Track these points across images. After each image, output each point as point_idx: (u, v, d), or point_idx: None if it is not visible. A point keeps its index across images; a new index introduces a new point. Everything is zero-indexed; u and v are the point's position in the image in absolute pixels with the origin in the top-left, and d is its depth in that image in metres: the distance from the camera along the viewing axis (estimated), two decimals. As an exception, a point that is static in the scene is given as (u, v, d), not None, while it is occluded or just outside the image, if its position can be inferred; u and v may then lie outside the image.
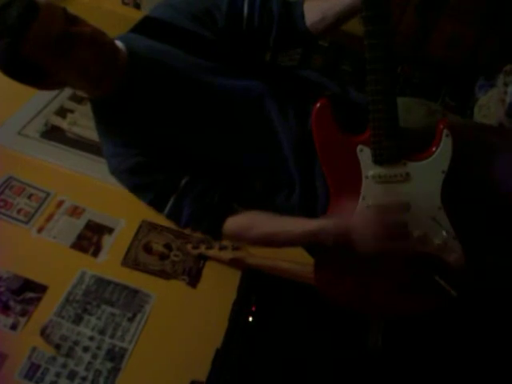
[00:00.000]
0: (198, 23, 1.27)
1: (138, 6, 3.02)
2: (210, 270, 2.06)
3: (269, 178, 1.32)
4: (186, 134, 1.26)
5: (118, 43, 1.25)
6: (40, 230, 2.09)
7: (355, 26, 1.28)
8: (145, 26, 1.32)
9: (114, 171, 1.30)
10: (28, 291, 1.89)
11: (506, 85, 2.50)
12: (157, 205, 1.29)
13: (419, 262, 1.26)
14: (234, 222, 1.28)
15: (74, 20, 1.14)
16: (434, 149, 1.18)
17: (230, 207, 1.29)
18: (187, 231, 2.10)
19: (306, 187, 1.30)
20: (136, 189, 1.29)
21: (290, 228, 1.25)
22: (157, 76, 1.25)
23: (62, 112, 2.58)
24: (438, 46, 2.69)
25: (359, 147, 1.18)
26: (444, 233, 1.22)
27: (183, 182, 1.25)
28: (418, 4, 2.54)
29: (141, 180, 1.27)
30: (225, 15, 1.28)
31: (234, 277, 2.02)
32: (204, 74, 1.26)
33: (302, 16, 1.27)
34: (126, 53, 1.24)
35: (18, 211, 2.13)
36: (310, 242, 1.29)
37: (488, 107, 2.57)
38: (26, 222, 2.10)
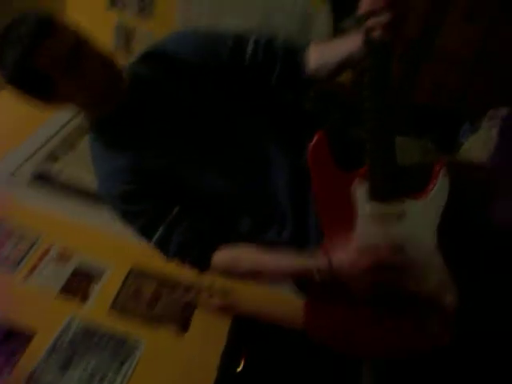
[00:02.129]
0: (202, 56, 1.30)
1: (130, 56, 3.08)
2: (199, 318, 2.03)
3: (260, 211, 1.32)
4: (180, 162, 1.27)
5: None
6: (27, 277, 2.06)
7: (344, 75, 1.33)
8: (148, 57, 1.35)
9: (106, 195, 1.30)
10: (13, 340, 1.85)
11: (489, 129, 2.55)
12: (146, 232, 1.28)
13: (412, 302, 1.25)
14: (224, 253, 1.27)
15: (84, 40, 1.18)
16: (430, 188, 1.18)
17: (222, 237, 1.29)
18: (175, 277, 2.10)
19: (298, 224, 1.31)
20: (125, 215, 1.29)
21: (280, 263, 1.25)
22: (155, 103, 1.28)
23: (53, 157, 2.58)
24: (423, 93, 2.75)
25: (355, 183, 1.19)
26: (439, 273, 1.22)
27: (173, 212, 1.25)
28: (402, 53, 2.61)
29: (131, 207, 1.27)
30: (229, 50, 1.30)
31: (223, 324, 1.98)
32: (202, 104, 1.29)
33: (304, 62, 1.29)
34: (127, 80, 1.27)
35: (5, 257, 2.10)
36: (300, 278, 1.29)
37: (473, 151, 2.61)
38: (13, 268, 2.07)
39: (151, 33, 3.00)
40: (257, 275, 1.29)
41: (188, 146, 1.28)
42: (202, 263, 1.29)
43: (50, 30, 1.13)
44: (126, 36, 3.07)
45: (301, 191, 1.29)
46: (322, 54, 1.27)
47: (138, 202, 1.26)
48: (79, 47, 1.16)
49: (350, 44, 1.19)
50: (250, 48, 1.30)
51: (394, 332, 1.30)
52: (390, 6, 1.03)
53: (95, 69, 1.18)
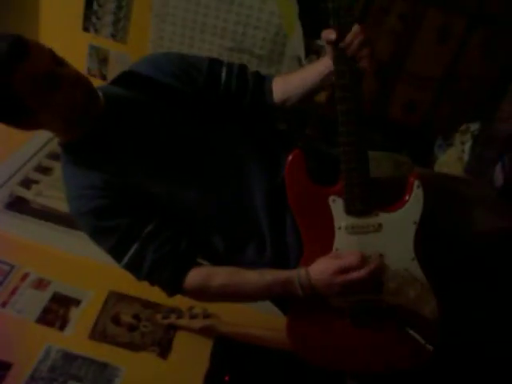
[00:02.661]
0: (177, 79, 1.31)
1: (104, 78, 3.07)
2: (180, 340, 2.01)
3: (237, 229, 1.31)
4: (155, 181, 1.26)
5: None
6: (4, 305, 2.02)
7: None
8: (124, 79, 1.36)
9: (76, 213, 1.27)
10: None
11: (462, 143, 2.60)
12: (117, 252, 1.25)
13: (393, 315, 1.26)
14: (197, 273, 1.26)
15: (60, 61, 1.17)
16: (405, 200, 1.21)
17: (195, 258, 1.27)
18: (157, 299, 2.08)
19: (277, 244, 1.30)
20: (97, 233, 1.26)
21: (256, 278, 1.24)
22: (130, 123, 1.28)
23: (27, 183, 2.56)
24: (396, 109, 2.79)
25: (331, 198, 1.20)
26: (418, 284, 1.23)
27: (147, 229, 1.23)
28: (376, 70, 2.66)
29: (103, 223, 1.24)
30: (204, 78, 1.32)
31: (205, 346, 1.97)
32: (178, 124, 1.29)
33: (271, 92, 1.34)
34: (103, 101, 1.27)
35: (-19, 285, 2.07)
36: (278, 294, 1.28)
37: (448, 166, 2.66)
38: (-11, 296, 2.04)
39: (125, 55, 3.01)
40: (233, 292, 1.27)
41: (163, 164, 1.28)
42: (174, 283, 1.26)
43: (25, 53, 1.11)
44: (99, 57, 3.08)
45: (278, 210, 1.29)
46: (283, 87, 1.34)
47: (111, 218, 1.23)
48: (55, 69, 1.15)
49: (313, 73, 1.27)
50: (224, 75, 1.34)
51: (376, 344, 1.31)
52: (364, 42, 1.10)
53: (72, 91, 1.16)
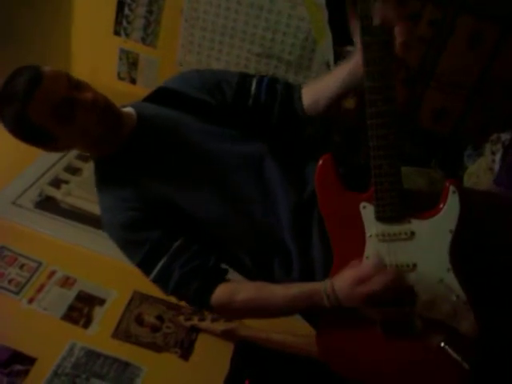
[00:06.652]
0: (208, 94, 1.34)
1: (133, 81, 3.10)
2: (202, 343, 2.02)
3: (262, 246, 1.31)
4: (183, 196, 1.28)
5: (130, 109, 1.34)
6: (31, 301, 2.06)
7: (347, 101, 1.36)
8: (157, 95, 1.40)
9: (107, 225, 1.29)
10: (16, 363, 1.84)
11: (493, 153, 2.56)
12: (145, 266, 1.26)
13: (427, 330, 1.19)
14: (223, 289, 1.24)
15: (77, 85, 1.22)
16: (440, 207, 1.14)
17: (222, 275, 1.27)
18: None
19: (304, 260, 1.28)
20: (127, 245, 1.28)
21: (282, 291, 1.22)
22: (161, 139, 1.31)
23: (57, 183, 2.60)
24: (426, 117, 2.76)
25: (362, 204, 1.16)
26: (454, 297, 1.15)
27: (176, 244, 1.23)
28: (405, 77, 2.64)
29: (133, 236, 1.25)
30: (234, 91, 1.35)
31: (226, 349, 1.97)
32: (207, 138, 1.31)
33: (300, 98, 1.33)
34: (136, 117, 1.32)
35: (9, 281, 2.11)
36: (304, 307, 1.24)
37: (477, 175, 2.61)
38: (17, 293, 2.08)
39: (155, 59, 3.05)
40: (257, 306, 1.24)
41: (191, 179, 1.30)
42: (200, 300, 1.24)
43: (40, 83, 1.16)
44: (129, 61, 3.11)
45: (304, 226, 1.28)
46: (313, 91, 1.32)
47: (140, 231, 1.25)
48: (71, 93, 1.19)
49: (340, 72, 1.23)
50: (253, 86, 1.35)
51: (409, 360, 1.23)
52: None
53: (89, 115, 1.21)
